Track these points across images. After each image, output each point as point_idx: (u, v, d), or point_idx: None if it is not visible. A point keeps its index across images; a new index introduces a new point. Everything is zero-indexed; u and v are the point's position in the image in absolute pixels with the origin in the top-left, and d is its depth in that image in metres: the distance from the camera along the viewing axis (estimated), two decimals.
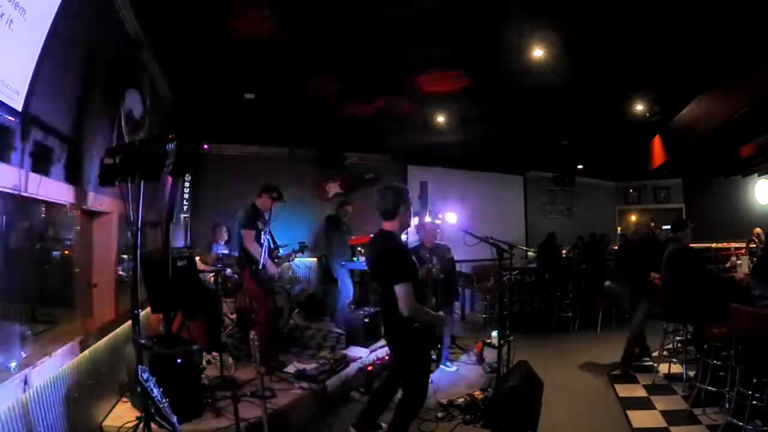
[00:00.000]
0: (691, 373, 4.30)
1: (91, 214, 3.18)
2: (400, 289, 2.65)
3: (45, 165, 2.36)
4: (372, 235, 3.03)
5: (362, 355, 4.72)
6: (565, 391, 4.23)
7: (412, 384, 2.94)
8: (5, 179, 1.97)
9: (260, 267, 4.14)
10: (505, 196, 10.53)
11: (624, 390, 4.31)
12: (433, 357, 5.11)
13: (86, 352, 2.74)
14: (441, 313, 3.48)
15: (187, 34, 4.07)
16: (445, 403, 3.97)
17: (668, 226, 11.40)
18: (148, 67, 4.22)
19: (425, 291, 3.15)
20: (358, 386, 4.25)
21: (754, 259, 5.47)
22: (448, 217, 6.82)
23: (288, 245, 5.67)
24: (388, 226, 2.85)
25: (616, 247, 8.65)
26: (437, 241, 5.08)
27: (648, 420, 3.61)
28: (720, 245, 9.08)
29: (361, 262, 6.24)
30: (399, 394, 3.04)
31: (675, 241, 4.52)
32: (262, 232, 4.35)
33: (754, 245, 6.38)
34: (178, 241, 6.22)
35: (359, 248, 6.82)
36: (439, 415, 3.78)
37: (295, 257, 5.86)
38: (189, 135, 6.26)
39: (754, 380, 3.12)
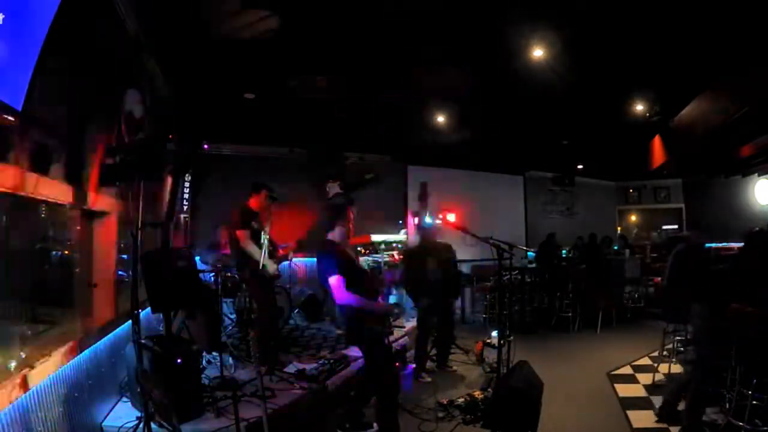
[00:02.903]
0: None
1: (91, 214, 3.17)
2: (332, 281, 3.01)
3: (45, 165, 2.36)
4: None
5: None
6: (565, 391, 4.23)
7: (378, 373, 3.20)
8: (5, 179, 1.97)
9: (260, 267, 4.13)
10: (505, 196, 10.52)
11: (624, 390, 4.31)
12: (433, 357, 5.13)
13: (86, 352, 2.74)
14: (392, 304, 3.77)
15: (187, 34, 4.07)
16: (445, 403, 3.97)
17: (670, 226, 11.44)
18: (148, 67, 4.22)
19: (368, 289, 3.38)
20: (358, 386, 4.24)
21: None
22: (448, 217, 6.82)
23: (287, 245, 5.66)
24: (329, 235, 3.27)
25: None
26: (438, 240, 5.09)
27: (648, 420, 3.61)
28: (720, 245, 9.08)
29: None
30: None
31: (682, 241, 4.51)
32: (262, 232, 4.34)
33: None
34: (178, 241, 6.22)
35: (359, 248, 6.82)
36: (439, 415, 3.78)
37: (293, 256, 5.85)
38: (189, 135, 6.28)
39: (754, 380, 3.12)
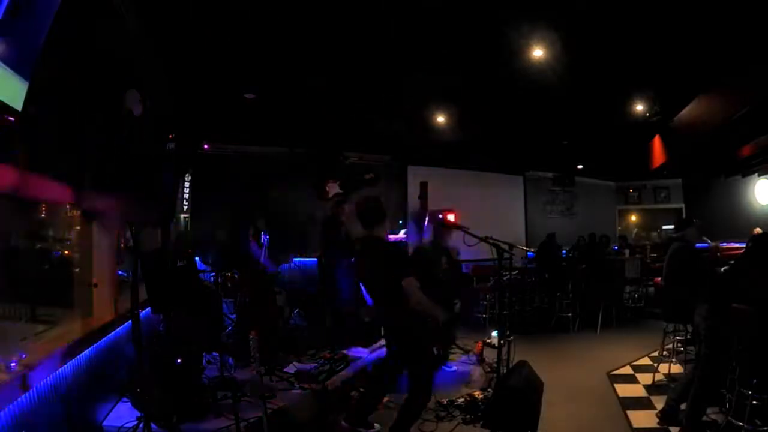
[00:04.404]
0: None
1: (91, 215, 3.17)
2: (407, 284, 2.81)
3: (45, 165, 2.36)
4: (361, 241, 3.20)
5: (362, 355, 4.72)
6: (565, 391, 4.22)
7: (419, 380, 3.04)
8: (5, 179, 1.97)
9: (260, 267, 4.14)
10: (505, 196, 10.53)
11: (624, 390, 4.31)
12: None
13: (86, 352, 2.74)
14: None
15: (187, 33, 4.07)
16: (445, 403, 3.96)
17: (670, 226, 11.43)
18: (148, 67, 4.22)
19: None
20: (358, 386, 4.24)
21: None
22: (448, 217, 6.83)
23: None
24: (377, 231, 3.12)
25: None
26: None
27: (648, 420, 3.61)
28: (720, 245, 9.07)
29: None
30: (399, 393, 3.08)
31: (679, 241, 4.49)
32: (262, 232, 4.35)
33: None
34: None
35: (357, 248, 6.79)
36: (439, 415, 3.78)
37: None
38: (189, 135, 6.28)
39: (754, 380, 3.12)
